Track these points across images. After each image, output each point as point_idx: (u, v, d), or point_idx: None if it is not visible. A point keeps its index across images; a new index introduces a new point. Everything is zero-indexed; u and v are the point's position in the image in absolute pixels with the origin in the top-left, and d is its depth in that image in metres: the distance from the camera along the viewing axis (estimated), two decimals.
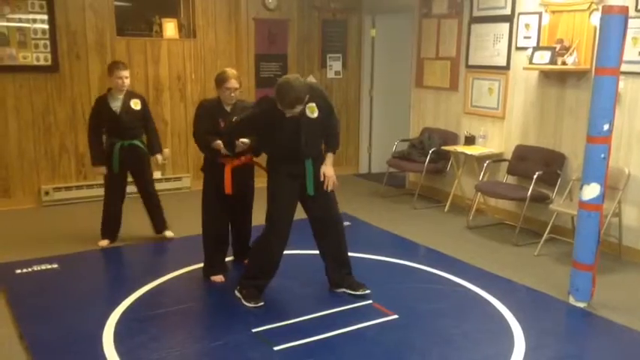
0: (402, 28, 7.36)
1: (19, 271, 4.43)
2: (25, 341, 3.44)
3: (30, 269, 4.46)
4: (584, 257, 3.94)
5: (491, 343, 3.55)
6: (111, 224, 5.05)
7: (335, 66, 7.69)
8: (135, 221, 5.77)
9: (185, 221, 5.71)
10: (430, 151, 6.33)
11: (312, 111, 3.77)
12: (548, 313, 4.01)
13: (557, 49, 5.14)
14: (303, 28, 7.32)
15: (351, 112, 7.92)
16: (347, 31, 7.69)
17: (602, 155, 3.78)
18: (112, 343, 3.41)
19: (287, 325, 3.64)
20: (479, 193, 5.82)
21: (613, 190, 4.69)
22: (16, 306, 3.86)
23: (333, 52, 7.64)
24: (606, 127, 3.75)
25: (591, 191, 3.82)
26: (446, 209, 6.29)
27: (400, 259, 4.81)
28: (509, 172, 5.71)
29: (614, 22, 3.65)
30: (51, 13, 5.96)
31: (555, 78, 5.37)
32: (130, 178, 5.03)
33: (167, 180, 6.77)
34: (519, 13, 5.63)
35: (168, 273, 4.41)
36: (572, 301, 4.03)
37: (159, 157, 5.03)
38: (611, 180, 4.35)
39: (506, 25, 5.74)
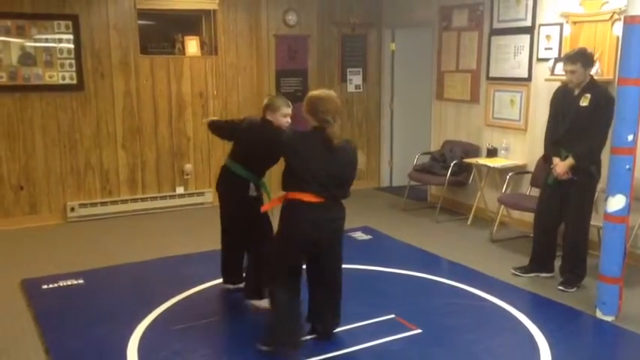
0: (422, 42, 7.37)
1: (45, 286, 4.50)
2: (51, 356, 3.48)
3: (56, 284, 4.52)
4: (610, 270, 3.87)
5: (517, 358, 3.50)
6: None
7: (355, 80, 7.72)
8: (157, 236, 5.83)
9: (208, 236, 5.75)
10: (452, 164, 6.30)
11: None
12: (575, 328, 3.94)
13: None
14: (323, 43, 7.38)
15: (372, 125, 7.93)
16: (367, 46, 7.72)
17: (627, 166, 3.73)
18: (137, 357, 3.44)
19: (309, 340, 3.63)
20: (502, 206, 5.77)
21: (639, 201, 4.61)
22: (43, 321, 3.91)
23: (353, 66, 7.68)
24: (630, 137, 3.70)
25: (616, 203, 3.77)
26: (469, 222, 6.24)
27: (423, 272, 4.77)
28: (533, 183, 5.65)
29: (637, 32, 3.61)
30: (76, 33, 6.09)
31: None
32: None
33: (190, 195, 6.84)
34: (540, 25, 5.60)
35: (192, 287, 4.43)
36: (599, 314, 3.96)
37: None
38: (637, 191, 4.28)
39: (527, 37, 5.72)
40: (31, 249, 5.44)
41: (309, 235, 3.38)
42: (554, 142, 4.47)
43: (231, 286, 4.36)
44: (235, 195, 4.02)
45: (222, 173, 4.15)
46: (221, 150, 6.98)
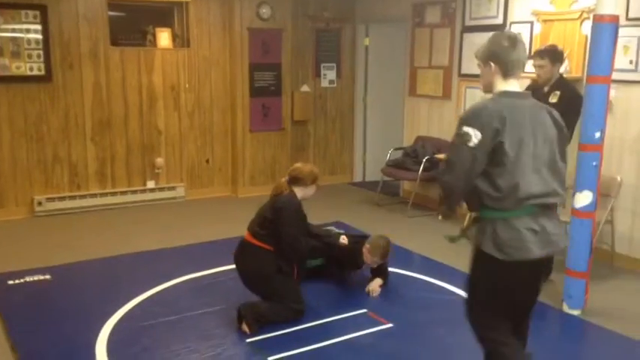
0: (395, 38, 7.40)
1: (11, 282, 4.40)
2: (17, 353, 3.41)
3: (22, 280, 4.43)
4: (577, 265, 3.95)
5: None
6: None
7: (329, 75, 7.71)
8: (127, 231, 5.76)
9: (179, 231, 5.71)
10: (424, 160, 6.34)
11: None
12: (542, 321, 4.00)
13: None
14: (297, 37, 7.35)
15: (345, 120, 7.94)
16: (340, 41, 7.72)
17: (594, 163, 3.80)
18: (106, 354, 3.39)
19: (281, 335, 3.63)
20: None
21: (605, 197, 4.71)
22: (8, 317, 3.83)
23: (326, 61, 7.67)
24: (598, 134, 3.77)
25: (584, 199, 3.84)
26: (440, 217, 6.29)
27: (395, 267, 4.78)
28: None
29: (605, 31, 3.69)
30: (44, 23, 5.95)
31: None
32: None
33: (161, 189, 6.76)
34: (511, 23, 5.67)
35: (162, 283, 4.39)
36: (565, 308, 4.04)
37: None
38: (604, 187, 4.37)
39: None
40: None
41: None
42: None
43: None
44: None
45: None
46: (193, 144, 6.92)
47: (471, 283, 2.63)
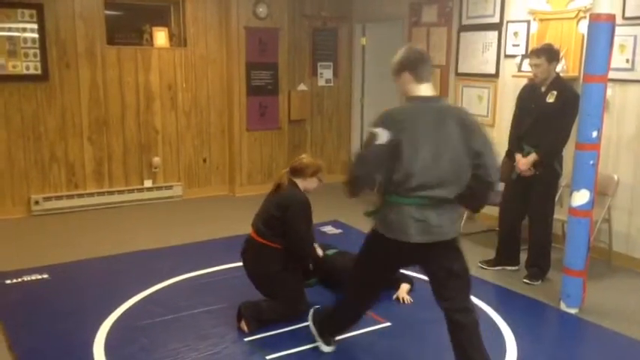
0: (392, 37, 7.39)
1: (8, 281, 4.40)
2: (14, 352, 3.41)
3: (20, 279, 4.42)
4: (574, 263, 3.96)
5: None
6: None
7: (326, 74, 7.72)
8: (125, 230, 5.75)
9: (177, 230, 5.70)
10: None
11: None
12: (540, 320, 4.03)
13: None
14: (293, 36, 7.35)
15: (343, 119, 7.94)
16: (337, 40, 7.72)
17: (591, 162, 3.81)
18: (103, 353, 3.39)
19: (279, 333, 3.64)
20: None
21: (602, 196, 4.73)
22: (6, 316, 3.83)
23: (323, 60, 7.67)
24: (595, 133, 3.78)
25: (581, 198, 3.85)
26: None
27: None
28: (500, 178, 5.72)
29: (602, 30, 3.69)
30: (41, 22, 5.94)
31: None
32: None
33: (158, 189, 6.76)
34: (508, 22, 5.68)
35: (160, 282, 4.39)
36: (563, 307, 4.05)
37: None
38: (601, 186, 4.38)
39: (495, 34, 5.79)
40: None
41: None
42: (518, 138, 4.55)
43: None
44: None
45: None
46: (190, 143, 6.92)
47: (363, 246, 3.12)
